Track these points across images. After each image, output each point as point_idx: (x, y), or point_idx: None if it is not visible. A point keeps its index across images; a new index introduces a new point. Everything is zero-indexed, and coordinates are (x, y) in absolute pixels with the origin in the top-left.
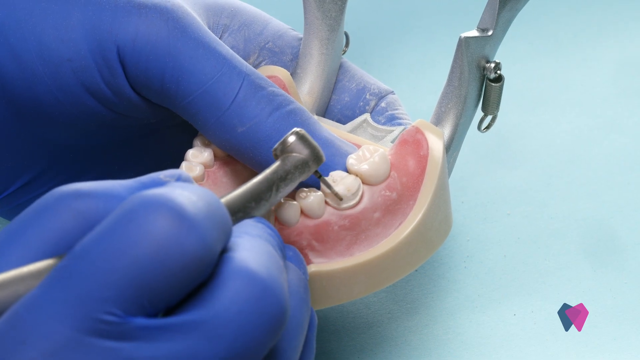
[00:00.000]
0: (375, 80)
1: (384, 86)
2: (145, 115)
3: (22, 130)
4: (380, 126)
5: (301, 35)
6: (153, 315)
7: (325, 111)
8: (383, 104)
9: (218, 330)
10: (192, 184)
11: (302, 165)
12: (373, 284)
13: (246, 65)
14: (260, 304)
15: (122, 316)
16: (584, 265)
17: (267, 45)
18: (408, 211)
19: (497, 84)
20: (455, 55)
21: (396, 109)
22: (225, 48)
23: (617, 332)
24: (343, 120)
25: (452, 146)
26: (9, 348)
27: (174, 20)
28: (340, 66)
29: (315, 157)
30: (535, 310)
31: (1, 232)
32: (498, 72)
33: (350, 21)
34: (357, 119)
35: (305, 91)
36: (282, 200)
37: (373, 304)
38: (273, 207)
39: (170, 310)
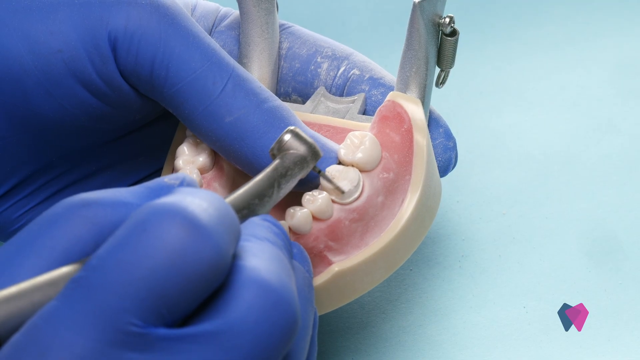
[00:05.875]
0: (332, 43)
1: (343, 47)
2: (134, 108)
3: (10, 131)
4: (338, 97)
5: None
6: (172, 324)
7: (277, 82)
8: (343, 68)
9: (235, 341)
10: (199, 189)
11: (301, 161)
12: (391, 265)
13: (232, 59)
14: (274, 313)
15: (143, 326)
16: (579, 265)
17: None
18: (406, 186)
19: (453, 38)
20: (411, 21)
21: (355, 71)
22: (212, 40)
23: (611, 332)
24: (297, 87)
25: (424, 109)
26: None
27: (165, 9)
28: (291, 33)
29: (313, 153)
30: (530, 310)
31: (10, 243)
32: (452, 25)
33: (351, 21)
34: (314, 94)
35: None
36: (292, 211)
37: (367, 304)
38: (286, 219)
39: (187, 319)
